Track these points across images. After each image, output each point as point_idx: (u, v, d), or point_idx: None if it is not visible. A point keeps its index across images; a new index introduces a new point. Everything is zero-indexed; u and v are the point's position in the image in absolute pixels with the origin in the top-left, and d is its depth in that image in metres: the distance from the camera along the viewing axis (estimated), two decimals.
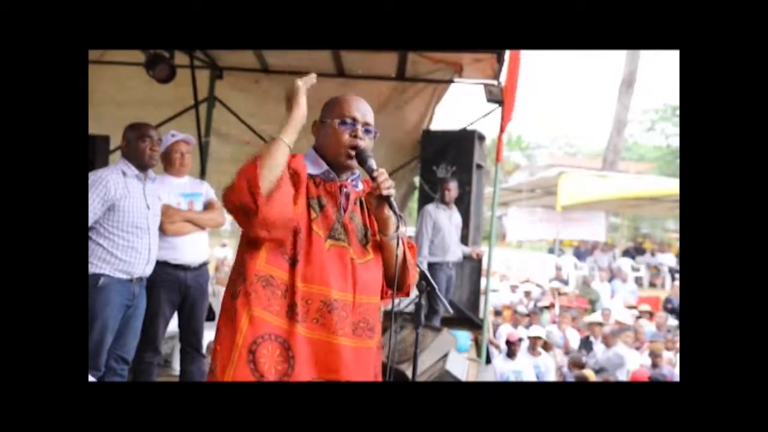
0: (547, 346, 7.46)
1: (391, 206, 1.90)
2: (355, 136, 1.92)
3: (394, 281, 1.99)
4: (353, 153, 1.92)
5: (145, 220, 3.35)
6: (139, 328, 3.47)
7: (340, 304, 1.85)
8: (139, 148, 3.37)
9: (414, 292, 2.27)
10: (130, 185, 3.33)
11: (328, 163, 1.95)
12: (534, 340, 7.23)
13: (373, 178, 1.89)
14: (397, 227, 1.96)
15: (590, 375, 7.12)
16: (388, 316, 2.00)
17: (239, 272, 1.87)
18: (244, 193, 1.75)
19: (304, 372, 1.81)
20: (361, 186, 2.02)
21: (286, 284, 1.83)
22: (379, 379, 2.00)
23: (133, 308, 3.37)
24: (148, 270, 3.39)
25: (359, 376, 1.88)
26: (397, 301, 2.03)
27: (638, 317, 9.84)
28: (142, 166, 3.40)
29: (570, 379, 7.08)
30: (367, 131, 1.95)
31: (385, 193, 1.87)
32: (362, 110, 1.96)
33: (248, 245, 1.87)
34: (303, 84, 1.86)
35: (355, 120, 1.93)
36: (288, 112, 1.85)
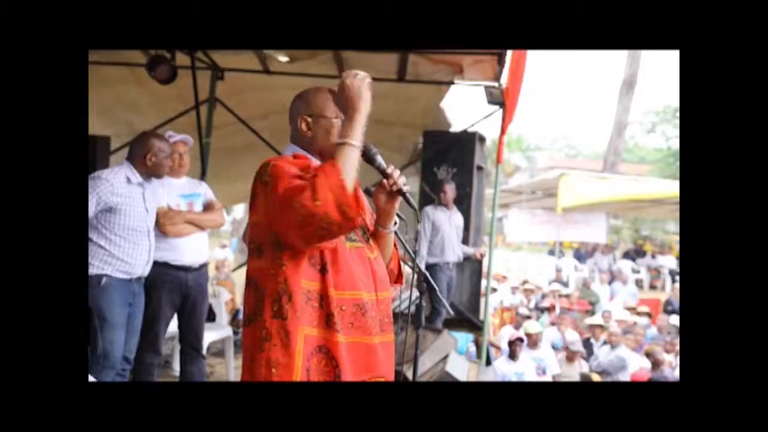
0: (571, 355, 7.41)
1: (408, 200, 1.92)
2: None
3: (395, 273, 2.03)
4: None
5: (144, 223, 3.41)
6: (140, 327, 3.50)
7: (369, 304, 1.85)
8: (164, 162, 3.47)
9: (414, 293, 2.28)
10: (132, 191, 3.39)
11: (321, 160, 1.91)
12: (532, 335, 7.21)
13: (387, 175, 1.90)
14: (396, 221, 1.98)
15: (594, 378, 7.13)
16: (397, 317, 2.00)
17: (281, 290, 1.78)
18: (331, 207, 1.66)
19: (349, 377, 1.79)
20: None
21: (321, 295, 1.80)
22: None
23: (134, 307, 3.42)
24: (147, 270, 3.45)
25: (388, 370, 1.90)
26: (397, 302, 2.03)
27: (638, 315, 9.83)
28: (156, 176, 3.49)
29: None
30: None
31: (404, 189, 1.89)
32: None
33: (288, 261, 1.78)
34: (366, 77, 1.80)
35: None
36: (351, 110, 1.78)
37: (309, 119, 1.91)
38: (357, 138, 1.76)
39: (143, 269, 3.42)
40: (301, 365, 1.75)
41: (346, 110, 1.80)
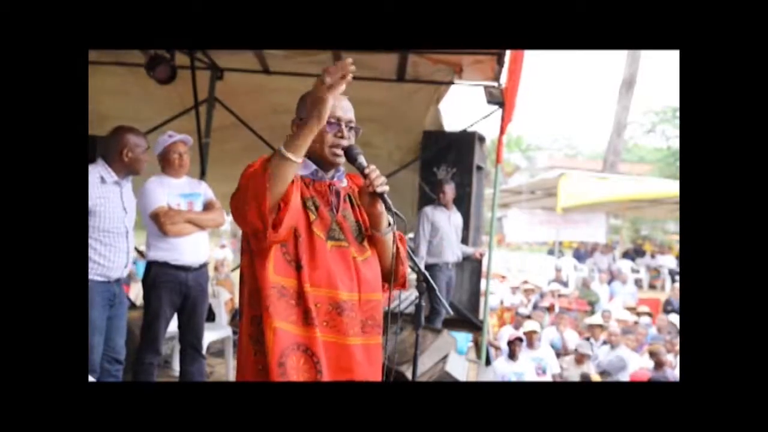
0: (580, 358, 7.40)
1: (385, 203, 1.88)
2: (341, 136, 1.90)
3: (390, 275, 1.99)
4: (339, 152, 1.90)
5: (122, 224, 3.36)
6: (125, 327, 3.49)
7: (348, 305, 1.84)
8: (141, 157, 3.40)
9: (414, 293, 2.26)
10: (108, 191, 3.33)
11: (314, 162, 1.92)
12: (530, 335, 7.22)
13: (365, 176, 1.87)
14: (389, 223, 1.95)
15: (594, 377, 7.13)
16: (387, 316, 1.98)
17: (254, 291, 1.84)
18: (253, 215, 1.72)
19: (326, 377, 1.80)
20: (345, 181, 2.00)
21: (297, 291, 1.81)
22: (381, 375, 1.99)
23: (116, 308, 3.39)
24: (125, 272, 3.42)
25: (370, 373, 1.89)
26: (397, 302, 2.02)
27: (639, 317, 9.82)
28: (134, 173, 3.43)
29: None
30: (350, 128, 1.92)
31: (379, 190, 1.86)
32: (344, 108, 1.92)
33: (255, 259, 1.84)
34: (331, 90, 1.70)
35: (338, 120, 1.89)
36: (306, 120, 1.75)
37: (299, 122, 1.91)
38: (293, 150, 1.72)
39: (122, 271, 3.38)
40: (275, 360, 1.76)
41: (309, 109, 1.75)
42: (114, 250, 3.32)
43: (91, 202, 3.23)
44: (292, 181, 1.79)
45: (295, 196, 1.78)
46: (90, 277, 3.24)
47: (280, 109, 5.92)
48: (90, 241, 3.24)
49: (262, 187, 1.70)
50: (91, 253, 3.25)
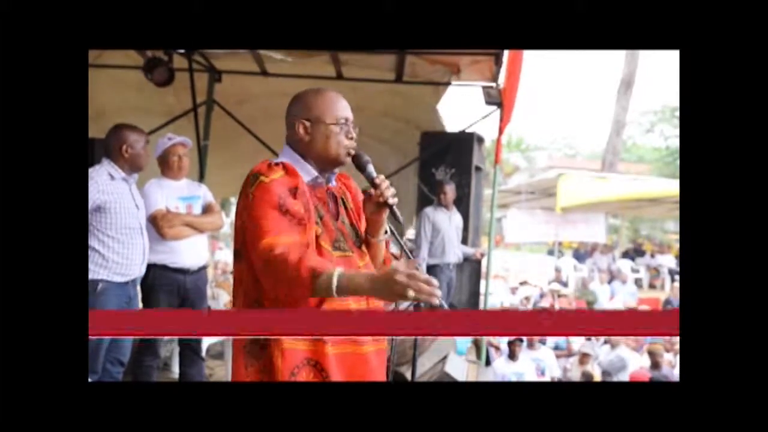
0: (584, 359, 7.40)
1: (394, 214, 1.86)
2: (351, 138, 1.87)
3: None
4: (352, 152, 1.87)
5: (136, 221, 3.36)
6: None
7: None
8: (141, 153, 3.40)
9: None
10: (118, 187, 3.33)
11: (319, 164, 1.88)
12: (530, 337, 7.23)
13: (375, 186, 1.85)
14: (386, 231, 1.93)
15: (597, 377, 7.13)
16: None
17: (254, 303, 1.77)
18: (285, 293, 1.68)
19: None
20: (334, 182, 1.96)
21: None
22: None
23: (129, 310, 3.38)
24: (142, 270, 3.41)
25: (381, 377, 1.88)
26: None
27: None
28: (137, 169, 3.42)
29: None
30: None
31: (390, 201, 1.84)
32: (347, 108, 1.89)
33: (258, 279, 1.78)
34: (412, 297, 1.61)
35: (346, 120, 1.87)
36: (377, 293, 1.63)
37: (307, 123, 1.86)
38: (342, 294, 1.63)
39: (139, 269, 3.38)
40: (285, 379, 1.73)
41: (377, 288, 1.62)
42: (131, 247, 3.31)
43: (104, 198, 3.24)
44: (305, 195, 1.78)
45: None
46: (108, 277, 3.24)
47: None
48: (107, 240, 3.24)
49: (302, 298, 1.66)
50: (108, 252, 3.24)
